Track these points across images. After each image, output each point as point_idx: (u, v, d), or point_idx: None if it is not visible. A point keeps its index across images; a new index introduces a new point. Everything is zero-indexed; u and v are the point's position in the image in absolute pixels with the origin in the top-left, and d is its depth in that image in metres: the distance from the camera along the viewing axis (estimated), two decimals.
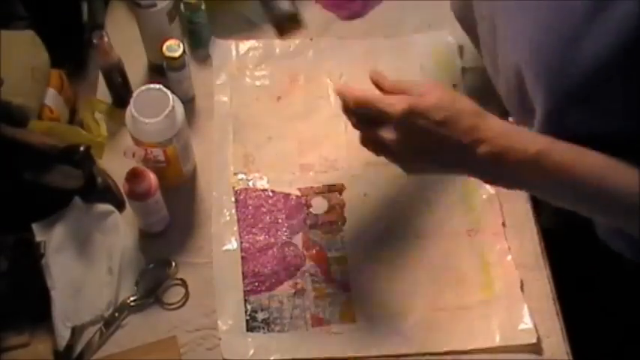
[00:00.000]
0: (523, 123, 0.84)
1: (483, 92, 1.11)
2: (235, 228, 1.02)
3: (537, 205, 1.03)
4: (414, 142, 0.75)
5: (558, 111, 0.74)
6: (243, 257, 1.00)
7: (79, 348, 0.92)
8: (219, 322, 0.94)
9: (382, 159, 1.07)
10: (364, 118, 0.78)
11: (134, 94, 0.95)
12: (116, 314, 0.94)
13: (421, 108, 0.73)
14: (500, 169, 0.73)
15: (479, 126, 0.73)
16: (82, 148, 0.92)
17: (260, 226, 1.02)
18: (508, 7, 0.79)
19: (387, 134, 0.76)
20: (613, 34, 0.65)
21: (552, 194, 0.76)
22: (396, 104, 0.74)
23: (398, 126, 0.74)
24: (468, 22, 0.95)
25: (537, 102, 0.77)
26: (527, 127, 0.81)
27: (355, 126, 0.80)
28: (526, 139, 0.73)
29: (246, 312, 0.95)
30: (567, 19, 0.69)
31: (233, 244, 1.01)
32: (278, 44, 1.19)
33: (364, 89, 0.79)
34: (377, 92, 0.80)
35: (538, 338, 0.93)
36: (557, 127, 0.75)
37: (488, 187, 1.04)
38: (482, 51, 0.93)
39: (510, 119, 0.91)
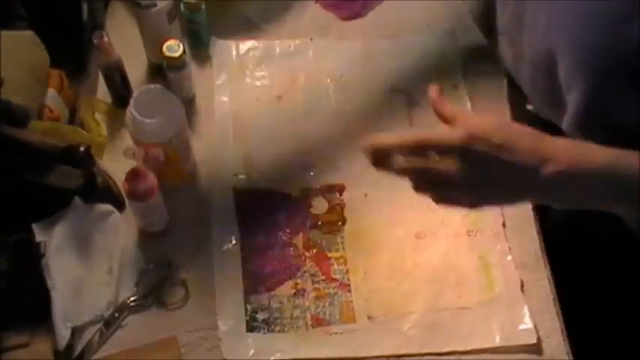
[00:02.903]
0: (547, 113, 0.83)
1: (483, 92, 1.12)
2: (235, 228, 1.02)
3: (537, 205, 1.03)
4: (477, 170, 0.71)
5: (600, 98, 0.72)
6: (243, 257, 1.00)
7: (79, 348, 0.92)
8: (219, 323, 0.94)
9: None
10: (414, 161, 0.74)
11: (134, 94, 0.95)
12: (116, 314, 0.94)
13: (480, 133, 0.70)
14: (570, 187, 0.70)
15: (540, 146, 0.70)
16: (82, 148, 0.92)
17: (260, 226, 1.02)
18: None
19: (447, 166, 0.71)
20: None
21: (621, 206, 0.73)
22: (453, 133, 0.71)
23: (459, 155, 0.70)
24: (480, 10, 0.94)
25: (575, 90, 0.75)
26: (553, 117, 0.80)
27: (403, 172, 0.76)
28: (591, 152, 0.70)
29: (246, 312, 0.95)
30: (606, 5, 0.68)
31: (233, 244, 1.01)
32: (278, 44, 1.19)
33: (399, 135, 0.74)
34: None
35: (538, 338, 0.93)
36: (594, 116, 0.72)
37: None
38: (500, 39, 0.91)
39: (529, 107, 0.90)
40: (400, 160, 0.74)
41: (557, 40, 0.76)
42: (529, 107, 0.91)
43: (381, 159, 0.75)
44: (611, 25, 0.69)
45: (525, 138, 0.71)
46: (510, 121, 0.75)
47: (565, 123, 0.79)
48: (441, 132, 0.73)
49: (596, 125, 0.74)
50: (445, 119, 0.74)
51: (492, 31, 0.90)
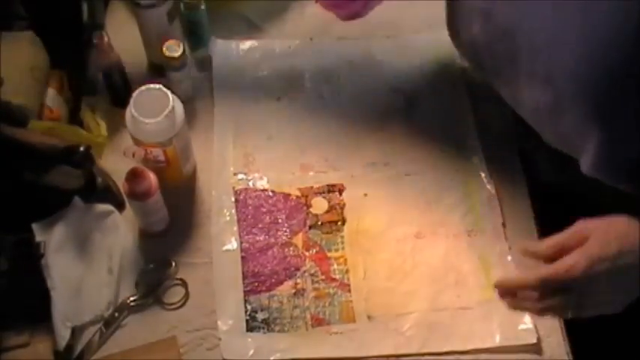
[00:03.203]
0: (559, 147, 0.83)
1: (483, 92, 1.12)
2: (235, 228, 1.02)
3: (537, 205, 1.03)
4: (601, 286, 0.74)
5: (617, 141, 0.72)
6: (243, 257, 1.00)
7: (79, 348, 0.92)
8: (219, 322, 0.94)
9: (382, 159, 1.08)
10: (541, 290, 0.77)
11: (134, 94, 0.95)
12: (116, 314, 0.94)
13: (596, 254, 0.73)
14: None
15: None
16: (82, 148, 0.92)
17: (260, 226, 1.02)
18: (535, 40, 0.77)
19: (570, 297, 0.75)
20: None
21: None
22: (573, 267, 0.74)
23: (581, 282, 0.74)
24: (470, 48, 0.94)
25: (591, 138, 0.75)
26: (566, 151, 0.81)
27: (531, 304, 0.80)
28: None
29: (246, 312, 0.95)
30: (613, 47, 0.67)
31: (233, 244, 1.01)
32: (278, 44, 1.19)
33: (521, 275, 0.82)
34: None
35: (538, 338, 0.93)
36: (615, 159, 0.74)
37: (488, 187, 1.04)
38: (493, 80, 0.91)
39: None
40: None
41: (562, 90, 0.76)
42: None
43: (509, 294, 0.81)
44: (616, 68, 0.68)
45: (631, 232, 0.73)
46: (605, 219, 0.76)
47: (585, 167, 0.79)
48: (562, 269, 0.75)
49: (618, 166, 0.75)
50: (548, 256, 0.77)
51: (484, 71, 0.90)
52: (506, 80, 0.88)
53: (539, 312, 0.80)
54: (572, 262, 0.74)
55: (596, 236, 0.74)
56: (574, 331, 0.95)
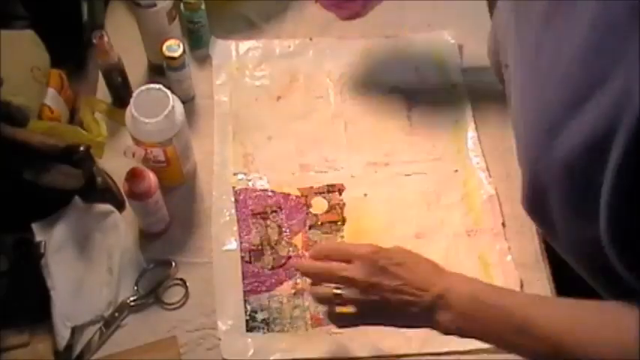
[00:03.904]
0: None
1: (483, 92, 1.12)
2: (235, 228, 1.02)
3: None
4: (372, 282, 0.78)
5: (536, 197, 0.74)
6: (242, 257, 1.00)
7: (79, 348, 0.92)
8: (219, 323, 0.94)
9: (382, 159, 1.08)
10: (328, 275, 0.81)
11: (134, 94, 0.95)
12: (116, 314, 0.94)
13: (384, 250, 0.80)
14: (444, 309, 0.76)
15: (433, 272, 0.79)
16: (82, 148, 0.92)
17: (260, 226, 1.02)
18: (515, 91, 0.80)
19: (347, 272, 0.79)
20: (583, 134, 0.63)
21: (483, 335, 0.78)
22: (360, 246, 0.81)
23: (360, 265, 0.79)
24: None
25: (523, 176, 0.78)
26: None
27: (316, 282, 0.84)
28: (470, 282, 0.77)
29: (246, 312, 0.95)
30: (547, 112, 0.68)
31: (233, 244, 1.01)
32: (278, 44, 1.19)
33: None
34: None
35: None
36: (533, 208, 0.77)
37: (488, 187, 1.04)
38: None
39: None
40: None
41: (516, 124, 0.80)
42: None
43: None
44: (544, 132, 0.69)
45: (426, 264, 0.80)
46: (416, 253, 0.83)
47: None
48: (352, 246, 0.84)
49: (536, 215, 0.78)
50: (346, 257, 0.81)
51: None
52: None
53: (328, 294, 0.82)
54: (362, 245, 0.81)
55: (395, 247, 0.81)
56: None
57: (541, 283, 0.98)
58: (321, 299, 0.84)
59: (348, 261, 0.80)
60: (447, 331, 0.77)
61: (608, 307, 0.70)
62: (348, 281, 0.79)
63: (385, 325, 0.81)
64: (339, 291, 0.80)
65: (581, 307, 0.71)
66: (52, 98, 1.03)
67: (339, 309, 0.83)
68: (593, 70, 0.62)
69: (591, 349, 0.68)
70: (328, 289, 0.81)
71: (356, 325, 0.83)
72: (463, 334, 0.77)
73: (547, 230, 0.79)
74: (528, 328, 0.71)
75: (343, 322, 0.84)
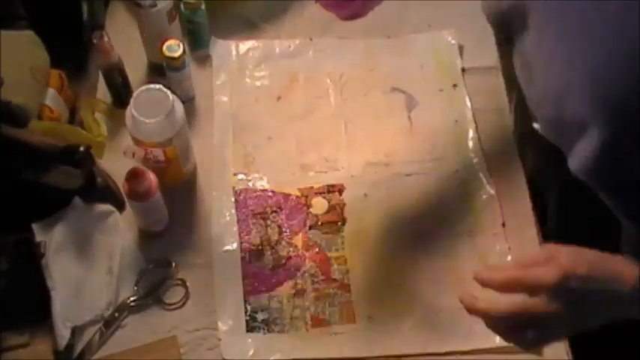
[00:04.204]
0: (553, 139, 0.81)
1: (484, 92, 1.12)
2: (235, 228, 1.02)
3: (537, 205, 1.04)
4: (574, 303, 0.72)
5: (615, 145, 0.69)
6: (242, 258, 1.00)
7: (79, 348, 0.92)
8: (219, 323, 0.94)
9: (382, 159, 1.08)
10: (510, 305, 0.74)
11: (134, 94, 0.95)
12: (116, 314, 0.94)
13: (569, 268, 0.72)
14: None
15: (617, 266, 0.72)
16: (82, 148, 0.92)
17: (260, 226, 1.02)
18: (558, 28, 0.74)
19: (543, 307, 0.72)
20: None
21: None
22: (547, 273, 0.72)
23: (555, 293, 0.72)
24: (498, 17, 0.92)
25: (590, 132, 0.72)
26: (558, 145, 0.78)
27: (499, 315, 0.76)
28: None
29: (246, 312, 0.95)
30: (632, 43, 0.65)
31: (233, 245, 1.01)
32: (278, 44, 1.19)
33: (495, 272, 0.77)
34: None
35: None
36: (606, 164, 0.71)
37: (488, 187, 1.04)
38: (515, 56, 0.90)
39: (536, 126, 0.89)
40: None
41: (575, 76, 0.73)
42: (535, 126, 0.90)
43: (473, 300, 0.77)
44: (629, 65, 0.65)
45: (603, 260, 0.73)
46: (580, 249, 0.75)
47: (572, 163, 0.76)
48: (535, 272, 0.73)
49: (606, 173, 0.72)
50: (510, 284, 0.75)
51: (508, 43, 0.88)
52: (526, 61, 0.86)
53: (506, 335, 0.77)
54: (544, 271, 0.72)
55: (567, 256, 0.73)
56: None
57: None
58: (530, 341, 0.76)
59: (532, 293, 0.73)
60: None
61: None
62: (545, 317, 0.73)
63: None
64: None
65: None
66: (52, 98, 1.03)
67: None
68: None
69: None
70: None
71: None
72: None
73: (614, 190, 0.73)
74: None
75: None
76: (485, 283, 0.77)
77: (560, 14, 0.72)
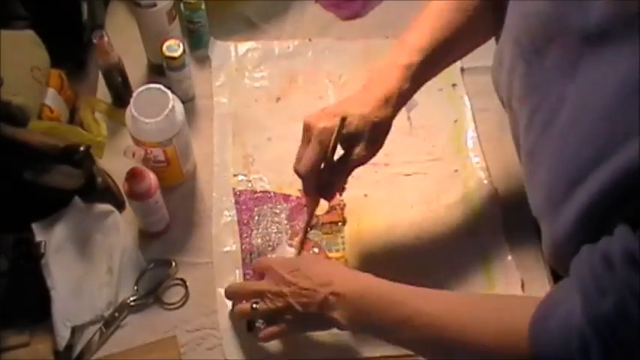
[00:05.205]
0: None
1: (483, 92, 1.12)
2: (235, 229, 1.02)
3: None
4: (275, 291, 0.85)
5: (556, 247, 0.71)
6: (243, 258, 1.00)
7: (79, 348, 0.92)
8: (220, 323, 0.94)
9: (382, 159, 1.07)
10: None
11: (134, 94, 0.95)
12: (116, 314, 0.94)
13: (286, 261, 0.92)
14: (338, 308, 0.81)
15: (328, 272, 0.84)
16: (82, 148, 0.92)
17: (260, 226, 1.02)
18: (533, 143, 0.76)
19: (255, 286, 0.89)
20: (610, 181, 0.61)
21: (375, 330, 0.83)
22: (275, 261, 0.92)
23: (268, 279, 0.87)
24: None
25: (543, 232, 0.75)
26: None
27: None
28: (362, 279, 0.83)
29: None
30: (573, 161, 0.65)
31: (233, 246, 1.00)
32: (277, 45, 1.19)
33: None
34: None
35: None
36: (559, 262, 0.73)
37: (488, 187, 1.04)
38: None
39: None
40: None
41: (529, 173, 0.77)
42: None
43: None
44: (569, 181, 0.66)
45: (323, 266, 0.87)
46: (322, 259, 0.96)
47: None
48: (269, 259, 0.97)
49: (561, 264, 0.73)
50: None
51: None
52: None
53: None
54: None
55: (300, 257, 0.96)
56: None
57: (541, 283, 0.98)
58: (242, 313, 0.90)
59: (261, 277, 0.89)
60: (342, 327, 0.82)
61: (508, 298, 0.77)
62: (258, 294, 0.87)
63: (308, 330, 0.91)
64: (254, 305, 0.86)
65: (478, 297, 0.80)
66: (52, 98, 1.03)
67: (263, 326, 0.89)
68: (619, 127, 0.60)
69: (471, 333, 0.72)
70: (246, 305, 0.88)
71: (282, 335, 0.88)
72: (358, 329, 0.85)
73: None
74: (418, 317, 0.76)
75: (272, 336, 0.89)
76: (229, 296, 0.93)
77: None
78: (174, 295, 0.97)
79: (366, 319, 0.80)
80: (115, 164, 1.03)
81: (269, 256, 1.00)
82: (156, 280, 0.97)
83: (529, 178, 0.78)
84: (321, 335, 0.94)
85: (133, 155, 0.95)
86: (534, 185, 0.76)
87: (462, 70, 1.16)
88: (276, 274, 0.86)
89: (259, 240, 1.01)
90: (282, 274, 0.85)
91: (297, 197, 1.04)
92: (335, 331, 0.93)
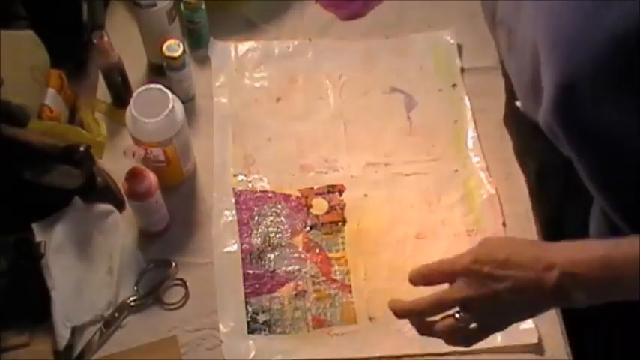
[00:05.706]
0: (531, 104, 0.81)
1: (483, 92, 1.12)
2: (236, 229, 1.02)
3: (536, 205, 1.04)
4: (486, 293, 0.72)
5: (568, 87, 0.69)
6: (243, 259, 1.00)
7: (79, 348, 0.92)
8: (220, 325, 0.94)
9: (382, 159, 1.08)
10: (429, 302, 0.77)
11: (134, 94, 0.95)
12: (116, 314, 0.94)
13: (483, 254, 0.73)
14: (576, 287, 0.69)
15: (541, 254, 0.71)
16: (82, 148, 0.92)
17: (260, 227, 1.02)
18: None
19: (457, 294, 0.74)
20: (632, 16, 0.61)
21: (626, 293, 0.71)
22: (458, 261, 0.75)
23: (467, 280, 0.73)
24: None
25: (548, 76, 0.72)
26: (533, 112, 0.78)
27: (423, 315, 0.78)
28: (588, 247, 0.70)
29: (247, 314, 0.95)
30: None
31: (233, 246, 1.00)
32: (277, 45, 1.19)
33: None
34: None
35: (539, 338, 0.93)
36: (564, 107, 0.70)
37: (488, 187, 1.04)
38: (497, 26, 0.90)
39: (518, 103, 0.89)
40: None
41: (541, 26, 0.74)
42: (517, 104, 0.90)
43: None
44: (586, 13, 0.66)
45: (525, 248, 0.73)
46: (507, 237, 0.80)
47: (539, 116, 0.76)
48: (447, 262, 0.77)
49: (565, 121, 0.72)
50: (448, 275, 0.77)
51: (495, 22, 0.89)
52: (506, 24, 0.85)
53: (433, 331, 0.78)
54: (458, 256, 0.74)
55: (491, 242, 0.75)
56: (574, 331, 0.95)
57: None
58: (447, 331, 0.77)
59: (451, 279, 0.75)
60: (580, 305, 0.72)
61: None
62: (461, 303, 0.74)
63: (510, 324, 0.77)
64: (457, 315, 0.75)
65: None
66: (52, 98, 1.03)
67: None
68: None
69: None
70: (449, 319, 0.76)
71: (482, 338, 0.78)
72: (599, 300, 0.71)
73: (573, 141, 0.73)
74: None
75: (470, 340, 0.78)
76: (415, 282, 0.79)
77: None
78: (174, 295, 0.97)
79: (616, 283, 0.69)
80: (115, 164, 1.03)
81: (273, 254, 1.00)
82: (156, 280, 0.97)
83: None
84: (321, 335, 0.94)
85: (133, 155, 0.95)
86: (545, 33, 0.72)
87: (462, 70, 1.16)
88: (477, 273, 0.72)
89: (259, 240, 1.01)
90: (488, 271, 0.72)
91: (297, 197, 1.04)
92: (335, 330, 0.94)
